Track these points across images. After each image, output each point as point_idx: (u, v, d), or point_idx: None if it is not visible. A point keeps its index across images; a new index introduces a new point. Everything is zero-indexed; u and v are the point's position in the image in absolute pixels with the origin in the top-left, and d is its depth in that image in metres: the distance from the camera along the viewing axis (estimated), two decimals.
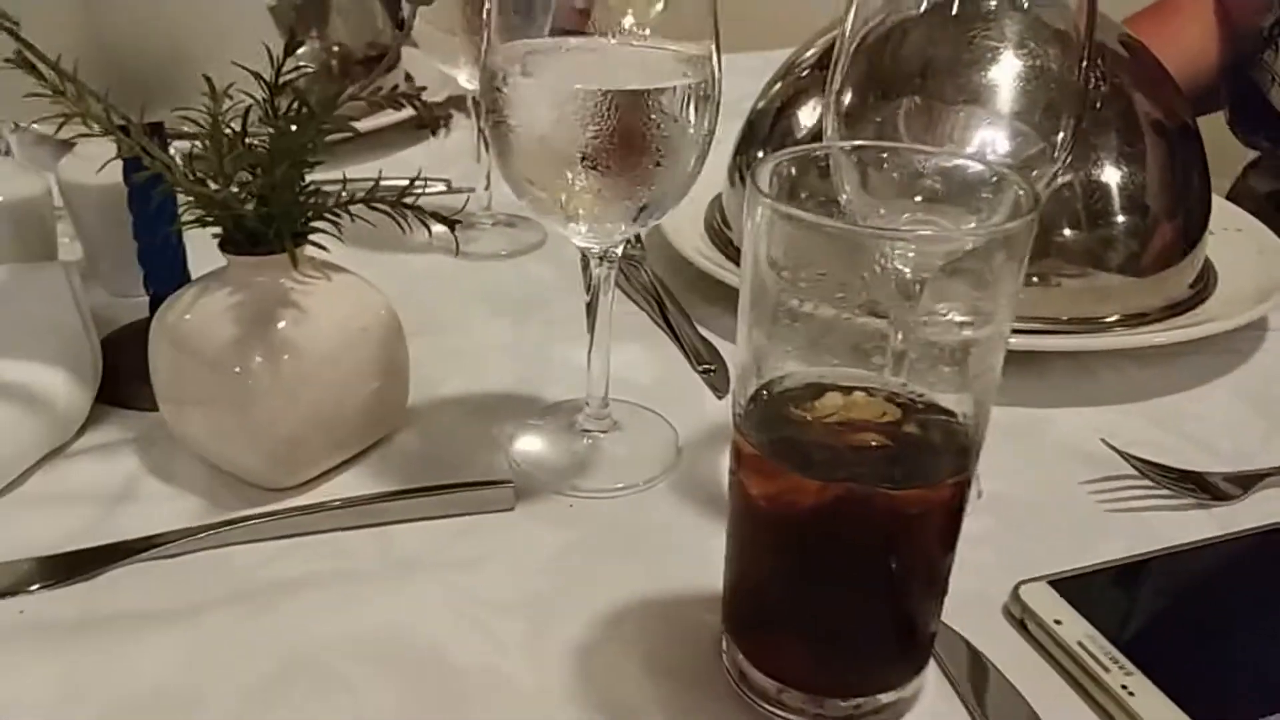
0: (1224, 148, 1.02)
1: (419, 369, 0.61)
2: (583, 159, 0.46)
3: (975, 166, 0.39)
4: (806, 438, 0.38)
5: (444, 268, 0.81)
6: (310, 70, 0.53)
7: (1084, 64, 0.47)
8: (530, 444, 0.58)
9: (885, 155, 0.43)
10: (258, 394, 0.51)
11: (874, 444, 0.37)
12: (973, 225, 0.39)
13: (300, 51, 0.98)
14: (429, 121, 0.59)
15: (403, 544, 0.50)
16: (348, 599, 0.47)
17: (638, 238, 0.83)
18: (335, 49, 1.07)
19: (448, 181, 0.92)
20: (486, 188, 0.87)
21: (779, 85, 0.79)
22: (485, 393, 0.63)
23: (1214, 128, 0.98)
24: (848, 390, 0.38)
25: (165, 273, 0.62)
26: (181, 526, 0.50)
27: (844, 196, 0.44)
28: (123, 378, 0.60)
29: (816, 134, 0.73)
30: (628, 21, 0.49)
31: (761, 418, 0.39)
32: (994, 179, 0.38)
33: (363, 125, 1.00)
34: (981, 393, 0.37)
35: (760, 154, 0.78)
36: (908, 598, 0.40)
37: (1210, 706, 0.40)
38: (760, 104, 0.80)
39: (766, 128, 0.79)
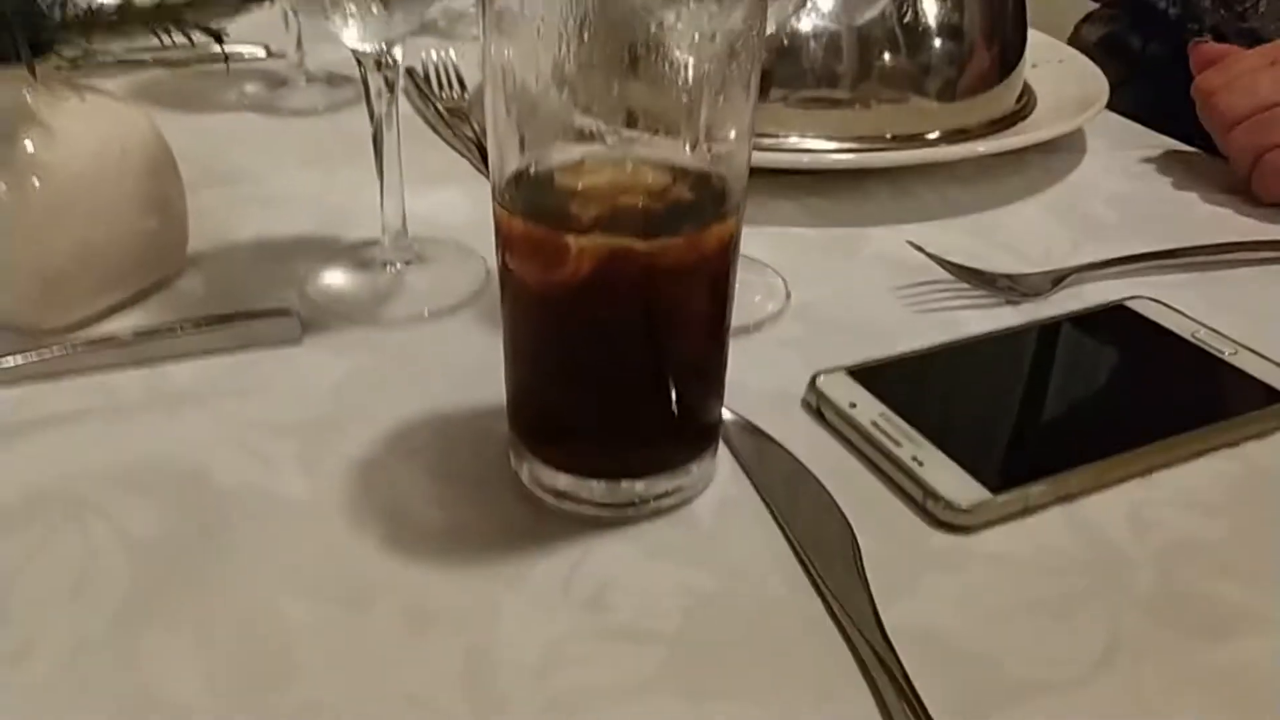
0: (1062, 6, 1.03)
1: (210, 216, 0.58)
2: None
3: None
4: (568, 203, 0.36)
5: (252, 125, 0.76)
6: None
7: None
8: (326, 279, 0.55)
9: None
10: (4, 223, 0.46)
11: (637, 204, 0.35)
12: None
13: None
14: None
15: (175, 380, 0.47)
16: (106, 432, 0.43)
17: (462, 86, 0.80)
18: None
19: (267, 46, 0.87)
20: (299, 47, 0.82)
21: None
22: (281, 237, 0.59)
23: None
24: (614, 158, 0.36)
25: None
26: None
27: None
28: None
29: None
30: None
31: (524, 188, 0.36)
32: None
33: None
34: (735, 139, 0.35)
35: None
36: (681, 368, 0.38)
37: (994, 470, 0.40)
38: None
39: None
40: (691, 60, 0.34)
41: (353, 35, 0.48)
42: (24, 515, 0.39)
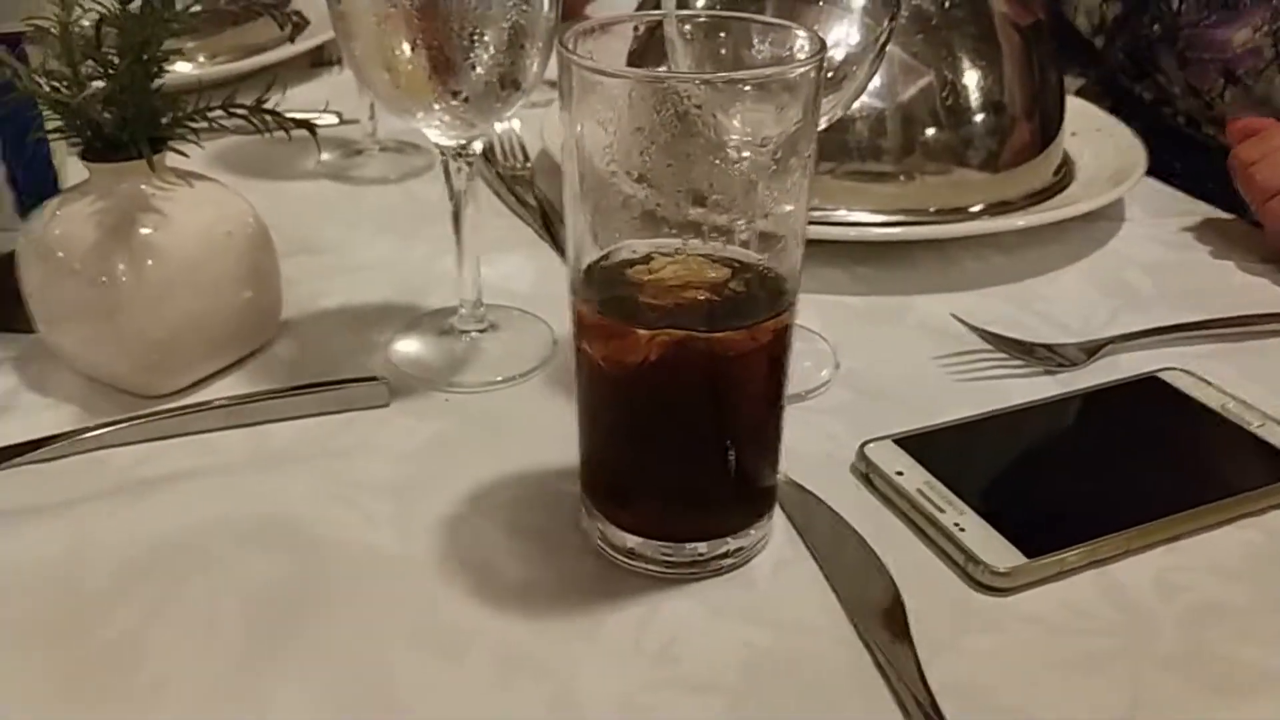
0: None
1: (297, 284, 0.62)
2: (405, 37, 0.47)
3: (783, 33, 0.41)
4: (638, 296, 0.40)
5: (329, 193, 0.81)
6: None
7: None
8: (407, 346, 0.59)
9: (713, 33, 0.45)
10: (123, 300, 0.51)
11: (700, 298, 0.39)
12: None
13: None
14: (280, 20, 0.58)
15: (276, 440, 0.51)
16: (220, 488, 0.48)
17: (525, 155, 0.85)
18: None
19: (339, 114, 0.93)
20: (371, 117, 0.87)
21: None
22: (364, 304, 0.64)
23: None
24: (678, 255, 0.40)
25: (37, 194, 0.61)
26: (58, 431, 0.50)
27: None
28: (1, 302, 0.60)
29: None
30: None
31: (597, 282, 0.40)
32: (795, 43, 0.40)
33: (256, 61, 1.00)
34: (790, 238, 0.39)
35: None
36: (741, 441, 0.42)
37: (1030, 536, 0.43)
38: None
39: None
40: (749, 164, 0.38)
41: (436, 134, 0.52)
42: (153, 565, 0.43)
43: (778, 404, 0.42)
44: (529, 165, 0.84)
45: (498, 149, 0.86)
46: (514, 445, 0.51)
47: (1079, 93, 1.03)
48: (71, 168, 0.64)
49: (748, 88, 0.39)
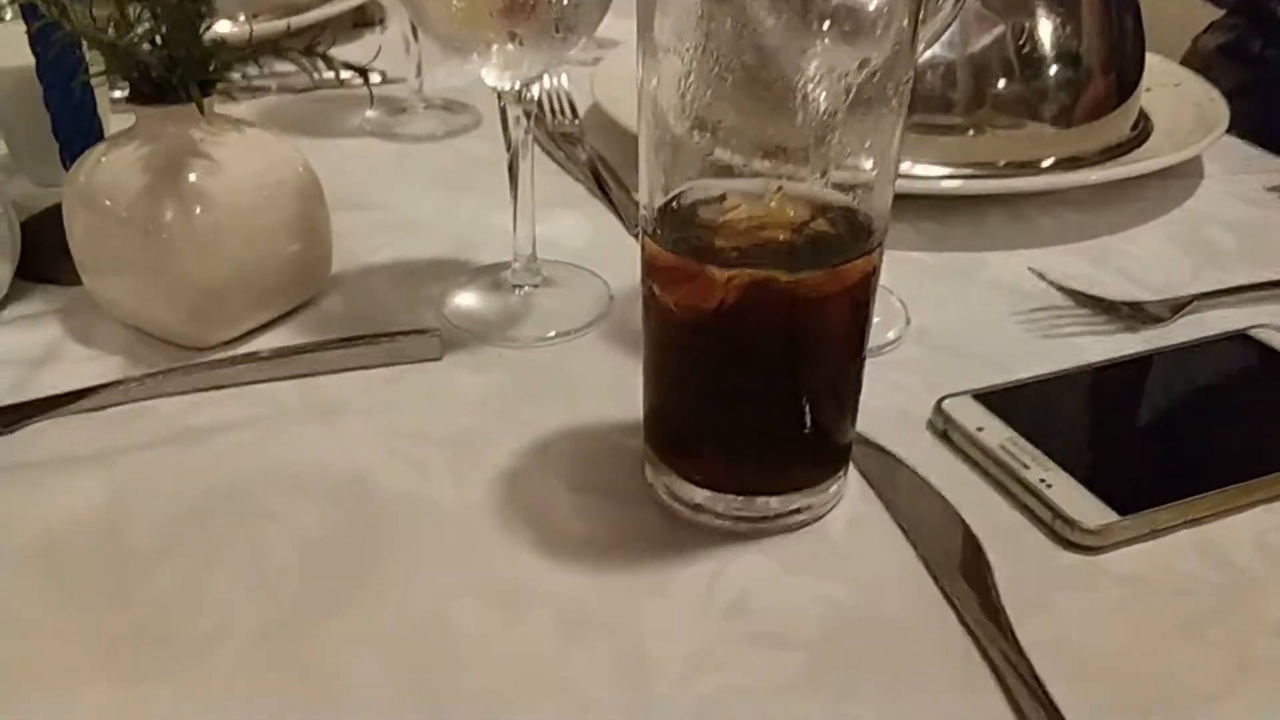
0: (1179, 22, 1.03)
1: (346, 239, 0.61)
2: None
3: None
4: (713, 237, 0.38)
5: (377, 150, 0.80)
6: None
7: None
8: (460, 300, 0.58)
9: None
10: (172, 246, 0.50)
11: (781, 238, 0.37)
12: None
13: None
14: None
15: (328, 391, 0.50)
16: (270, 438, 0.47)
17: (574, 112, 0.82)
18: None
19: (383, 72, 0.91)
20: (418, 74, 0.86)
21: None
22: (414, 259, 0.62)
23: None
24: (767, 195, 0.38)
25: (81, 144, 0.60)
26: (104, 381, 0.49)
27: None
28: (45, 254, 0.59)
29: None
30: None
31: (671, 222, 0.38)
32: None
33: (300, 19, 0.99)
34: (882, 174, 0.37)
35: None
36: (820, 391, 0.40)
37: (1121, 493, 0.41)
38: None
39: None
40: (831, 97, 0.36)
41: (493, 75, 0.50)
42: (204, 514, 0.42)
43: (859, 354, 0.40)
44: (578, 121, 0.82)
45: (545, 105, 0.84)
46: (571, 399, 0.49)
47: (1213, 25, 0.99)
48: (114, 123, 0.63)
49: (826, 24, 0.37)
